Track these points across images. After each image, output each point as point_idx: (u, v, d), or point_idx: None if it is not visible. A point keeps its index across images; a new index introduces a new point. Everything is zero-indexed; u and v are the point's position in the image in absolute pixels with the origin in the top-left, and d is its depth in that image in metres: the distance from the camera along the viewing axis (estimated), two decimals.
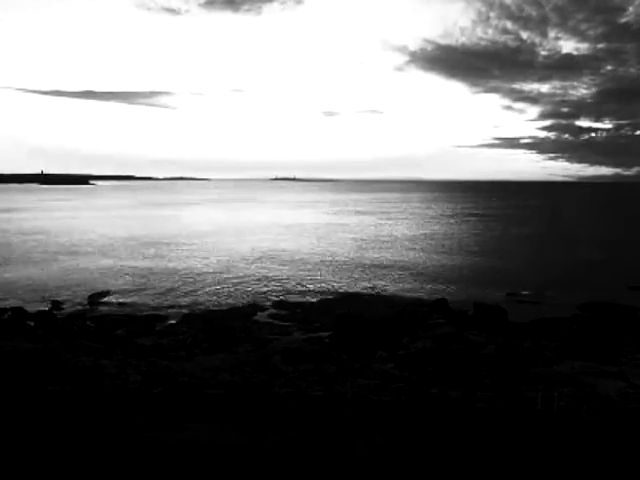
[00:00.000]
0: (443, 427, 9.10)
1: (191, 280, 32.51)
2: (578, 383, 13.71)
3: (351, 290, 29.74)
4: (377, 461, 7.55)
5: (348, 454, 7.77)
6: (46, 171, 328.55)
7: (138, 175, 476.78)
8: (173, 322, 23.30)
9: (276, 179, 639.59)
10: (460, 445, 8.17)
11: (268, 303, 27.03)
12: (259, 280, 32.67)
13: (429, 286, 31.18)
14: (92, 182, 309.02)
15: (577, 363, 15.84)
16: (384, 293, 29.14)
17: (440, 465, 7.45)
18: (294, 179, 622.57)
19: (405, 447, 8.08)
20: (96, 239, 52.33)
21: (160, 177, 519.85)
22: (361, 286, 31.16)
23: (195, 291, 29.74)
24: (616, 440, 8.70)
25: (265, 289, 30.27)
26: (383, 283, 31.99)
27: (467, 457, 7.73)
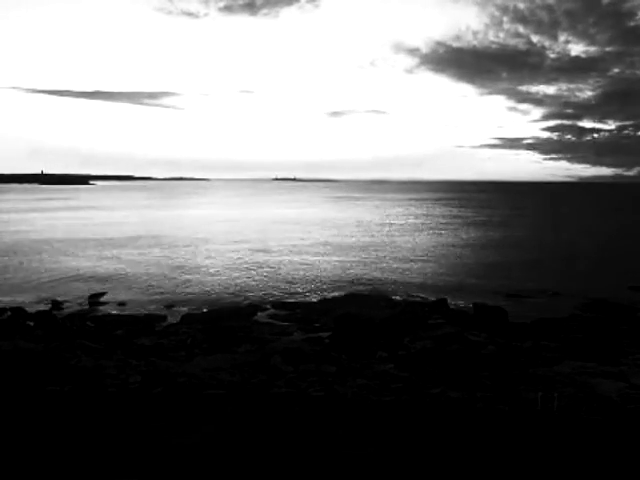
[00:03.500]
0: (443, 427, 9.10)
1: (191, 280, 32.51)
2: (578, 383, 13.70)
3: (351, 290, 29.73)
4: (377, 461, 7.55)
5: (348, 455, 7.77)
6: (46, 171, 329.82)
7: (137, 175, 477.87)
8: (173, 322, 23.28)
9: (276, 179, 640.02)
10: (460, 445, 8.18)
11: (268, 303, 27.01)
12: (259, 280, 32.67)
13: (429, 286, 31.18)
14: (92, 182, 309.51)
15: (577, 363, 15.81)
16: (384, 293, 29.13)
17: (440, 465, 7.46)
18: (294, 179, 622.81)
19: (405, 447, 8.08)
20: (97, 239, 52.32)
21: (159, 177, 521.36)
22: (361, 286, 31.15)
23: (195, 291, 29.75)
24: (616, 440, 8.70)
25: (265, 289, 30.27)
26: (383, 283, 32.00)
27: (467, 457, 7.73)
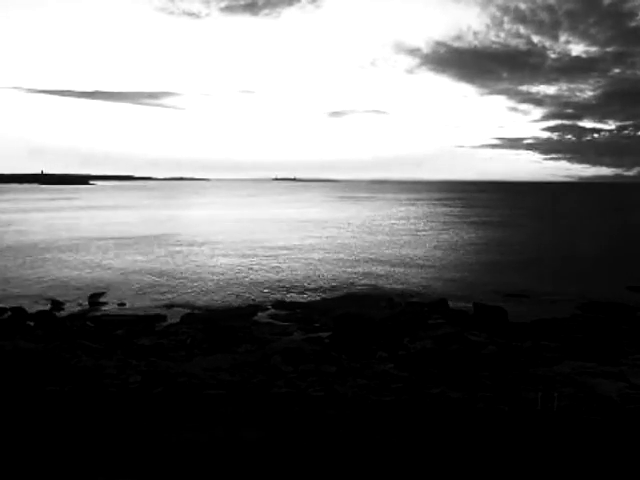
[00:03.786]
0: (443, 427, 9.10)
1: (191, 280, 32.50)
2: (578, 383, 13.70)
3: (351, 290, 29.73)
4: (376, 461, 7.56)
5: (347, 455, 7.77)
6: (46, 171, 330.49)
7: (137, 175, 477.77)
8: (173, 322, 23.27)
9: (276, 179, 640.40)
10: (460, 445, 8.18)
11: (268, 303, 27.02)
12: (259, 280, 32.67)
13: (429, 286, 31.19)
14: (92, 182, 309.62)
15: (577, 363, 15.81)
16: (384, 293, 29.13)
17: (440, 465, 7.46)
18: (294, 179, 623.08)
19: (405, 447, 8.08)
20: (97, 239, 52.32)
21: (160, 177, 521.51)
22: (361, 286, 31.16)
23: (195, 291, 29.74)
24: (616, 440, 8.70)
25: (265, 289, 30.28)
26: (383, 283, 32.01)
27: (467, 457, 7.73)
